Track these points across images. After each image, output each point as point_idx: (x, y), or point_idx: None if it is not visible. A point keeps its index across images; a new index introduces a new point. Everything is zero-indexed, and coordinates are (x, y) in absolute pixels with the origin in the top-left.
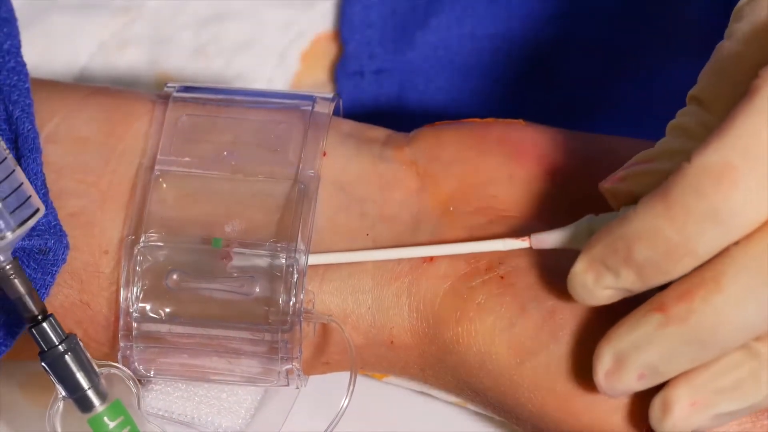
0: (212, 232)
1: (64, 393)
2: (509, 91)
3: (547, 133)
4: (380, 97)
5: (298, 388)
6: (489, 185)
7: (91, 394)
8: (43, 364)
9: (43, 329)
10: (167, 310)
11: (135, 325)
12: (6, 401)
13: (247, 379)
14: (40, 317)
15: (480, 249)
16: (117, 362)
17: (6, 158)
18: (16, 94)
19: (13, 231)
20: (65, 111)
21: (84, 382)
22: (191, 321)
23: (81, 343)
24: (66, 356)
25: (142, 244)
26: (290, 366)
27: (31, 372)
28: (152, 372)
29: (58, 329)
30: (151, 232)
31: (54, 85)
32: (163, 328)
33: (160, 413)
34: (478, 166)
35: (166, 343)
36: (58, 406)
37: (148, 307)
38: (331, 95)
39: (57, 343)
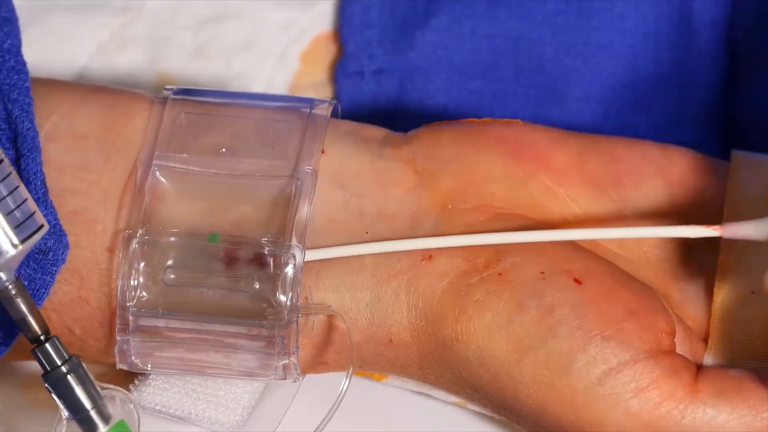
0: (209, 227)
1: (67, 414)
2: (509, 91)
3: (544, 133)
4: (380, 97)
5: (295, 381)
6: (487, 183)
7: (94, 415)
8: (46, 385)
9: (46, 350)
10: (164, 304)
11: (132, 319)
12: (6, 401)
13: (244, 373)
14: (42, 338)
15: (668, 234)
16: (114, 356)
17: (10, 174)
18: (15, 93)
19: (16, 247)
20: (64, 108)
21: (87, 403)
22: (188, 316)
23: (84, 365)
24: (69, 377)
25: (139, 239)
26: (287, 361)
27: (31, 372)
28: (149, 366)
29: (61, 350)
30: (148, 227)
31: (53, 84)
32: (160, 322)
33: (157, 407)
34: (477, 164)
35: (163, 338)
36: (62, 429)
37: (145, 301)
38: (329, 99)
39: (59, 364)
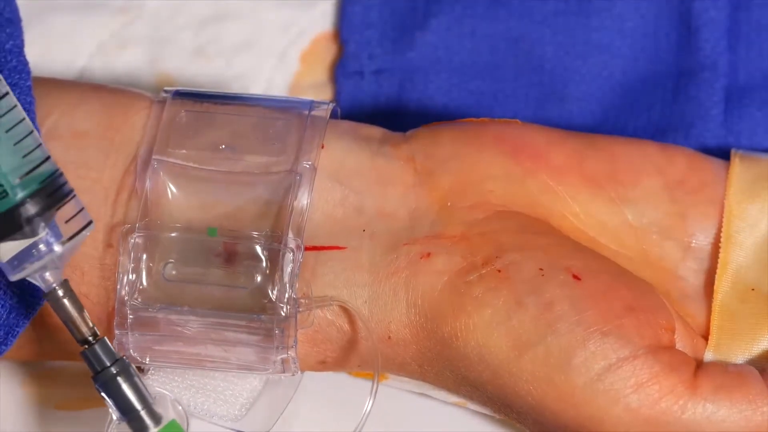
0: (208, 222)
1: (117, 415)
2: (509, 91)
3: (543, 132)
4: (380, 97)
5: (293, 375)
6: (486, 181)
7: (144, 415)
8: (96, 386)
9: (96, 351)
10: (163, 298)
11: (130, 313)
12: (7, 401)
13: (243, 367)
14: (91, 339)
15: None
16: None
17: (59, 169)
18: (17, 92)
19: (63, 244)
20: (64, 106)
21: (137, 404)
22: (187, 310)
23: (133, 366)
24: (119, 378)
25: (138, 234)
26: (286, 355)
27: (32, 371)
28: (147, 359)
29: (111, 350)
30: (147, 222)
31: (53, 83)
32: (159, 316)
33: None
34: (475, 163)
35: (162, 332)
36: (113, 430)
37: (143, 295)
38: (328, 101)
39: (109, 365)
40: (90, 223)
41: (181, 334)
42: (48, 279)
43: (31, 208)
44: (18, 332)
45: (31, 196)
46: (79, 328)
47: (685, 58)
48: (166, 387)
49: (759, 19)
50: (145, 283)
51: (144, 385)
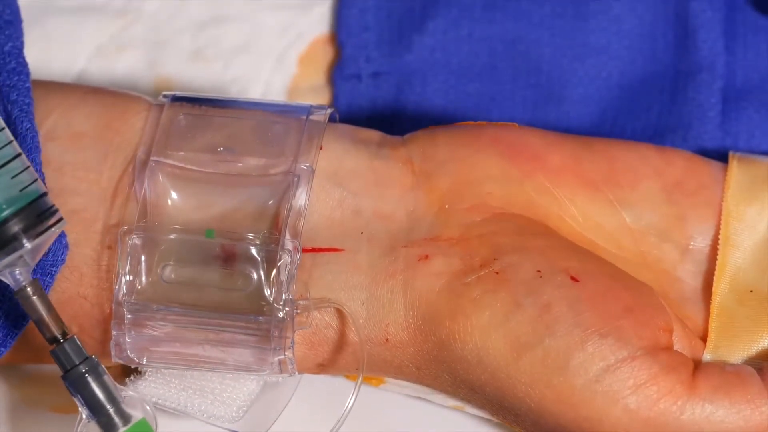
0: (206, 224)
1: (87, 414)
2: (507, 93)
3: (540, 135)
4: (377, 100)
5: (291, 376)
6: (484, 182)
7: (113, 414)
8: (66, 384)
9: (65, 350)
10: (160, 299)
11: (128, 313)
12: (5, 402)
13: (240, 367)
14: (60, 338)
15: None
16: (109, 350)
17: (28, 167)
18: (15, 93)
19: (32, 240)
20: (63, 108)
21: (106, 403)
22: (184, 311)
23: (102, 366)
24: (87, 376)
25: (136, 235)
26: (283, 356)
27: (30, 373)
28: (144, 360)
29: (80, 349)
30: (145, 224)
31: (52, 85)
32: (156, 317)
33: (153, 400)
34: (473, 165)
35: (159, 332)
36: (83, 429)
37: (141, 296)
38: (326, 106)
39: (78, 363)
40: (60, 220)
41: (178, 335)
42: (18, 277)
43: (15, 226)
44: (17, 334)
45: (17, 213)
46: (48, 326)
47: (682, 59)
48: (164, 388)
49: (755, 20)
50: (142, 284)
51: (114, 384)
